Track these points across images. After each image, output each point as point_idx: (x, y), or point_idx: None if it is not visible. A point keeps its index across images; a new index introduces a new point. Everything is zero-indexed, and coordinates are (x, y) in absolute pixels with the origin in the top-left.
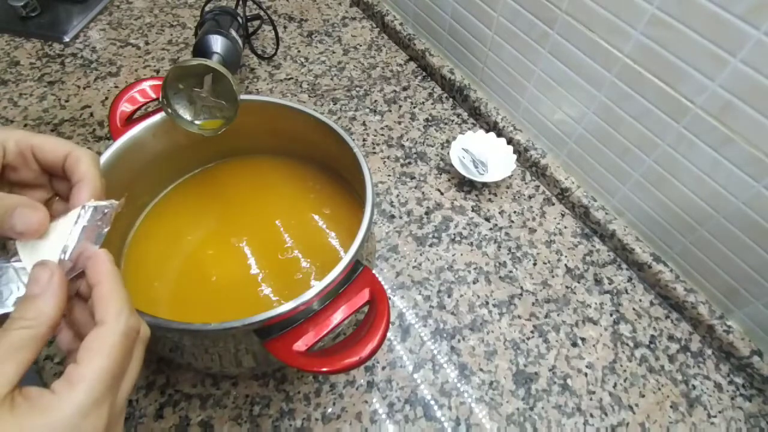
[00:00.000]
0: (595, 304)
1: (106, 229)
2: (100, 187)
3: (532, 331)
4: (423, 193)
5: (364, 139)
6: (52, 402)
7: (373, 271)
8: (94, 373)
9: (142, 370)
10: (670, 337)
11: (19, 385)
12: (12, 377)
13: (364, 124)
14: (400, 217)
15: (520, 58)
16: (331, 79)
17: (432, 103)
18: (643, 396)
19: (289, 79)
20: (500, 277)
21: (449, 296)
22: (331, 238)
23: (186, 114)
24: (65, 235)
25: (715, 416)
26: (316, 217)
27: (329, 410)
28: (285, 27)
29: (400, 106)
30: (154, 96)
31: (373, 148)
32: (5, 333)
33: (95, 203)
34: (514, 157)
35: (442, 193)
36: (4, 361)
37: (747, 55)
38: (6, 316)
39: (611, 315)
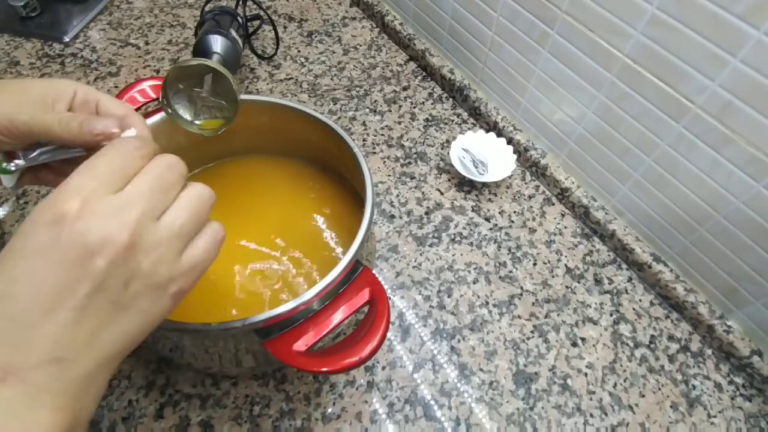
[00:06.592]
0: (595, 304)
1: None
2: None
3: (532, 331)
4: (423, 193)
5: (364, 139)
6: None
7: (373, 271)
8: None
9: (141, 370)
10: (670, 337)
11: None
12: None
13: (364, 124)
14: (400, 217)
15: (520, 58)
16: (331, 79)
17: (432, 103)
18: (643, 396)
19: (289, 79)
20: (500, 277)
21: (449, 296)
22: (331, 238)
23: (186, 114)
24: None
25: (715, 416)
26: (316, 217)
27: (329, 410)
28: (285, 27)
29: (400, 106)
30: (154, 96)
31: (373, 148)
32: None
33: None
34: (514, 157)
35: (442, 193)
36: None
37: (747, 55)
38: None
39: (611, 315)
